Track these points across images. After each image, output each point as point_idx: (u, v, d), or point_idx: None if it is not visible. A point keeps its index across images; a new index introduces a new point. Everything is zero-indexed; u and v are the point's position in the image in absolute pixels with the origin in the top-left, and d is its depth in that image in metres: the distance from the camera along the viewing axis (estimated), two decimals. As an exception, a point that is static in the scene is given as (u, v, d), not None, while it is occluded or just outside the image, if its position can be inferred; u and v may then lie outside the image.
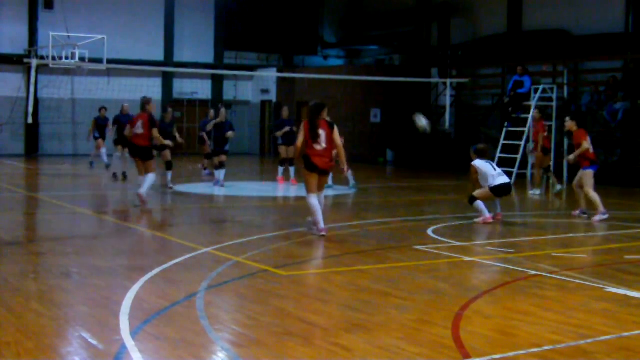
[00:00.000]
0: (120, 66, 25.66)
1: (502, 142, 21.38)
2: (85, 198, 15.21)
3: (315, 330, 5.64)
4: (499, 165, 20.61)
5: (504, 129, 21.56)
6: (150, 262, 8.17)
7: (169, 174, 16.52)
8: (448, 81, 24.93)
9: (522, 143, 20.80)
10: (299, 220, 11.48)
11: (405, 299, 6.66)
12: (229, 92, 33.27)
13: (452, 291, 7.10)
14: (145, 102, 13.02)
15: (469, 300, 6.57)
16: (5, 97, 28.14)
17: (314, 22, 34.16)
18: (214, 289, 6.87)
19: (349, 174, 16.54)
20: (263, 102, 33.44)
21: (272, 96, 32.83)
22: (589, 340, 5.40)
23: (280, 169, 18.11)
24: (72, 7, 28.41)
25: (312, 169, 10.02)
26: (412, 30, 29.34)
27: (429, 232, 10.64)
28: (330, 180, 15.22)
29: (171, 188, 16.07)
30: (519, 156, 20.58)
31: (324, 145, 10.00)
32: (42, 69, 25.16)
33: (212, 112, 18.99)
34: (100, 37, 22.43)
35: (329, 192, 14.79)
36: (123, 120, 18.44)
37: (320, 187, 10.22)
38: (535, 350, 5.16)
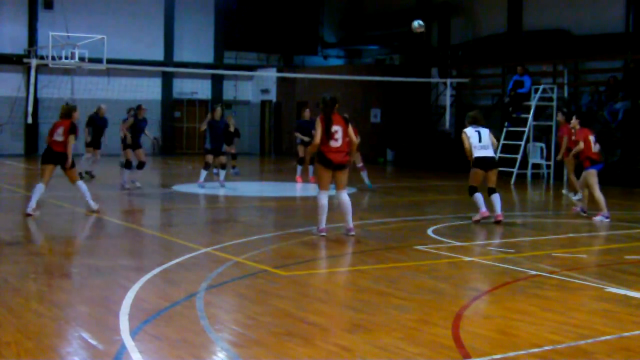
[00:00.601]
0: (120, 66, 25.64)
1: (502, 142, 21.37)
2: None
3: (315, 330, 5.63)
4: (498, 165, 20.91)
5: (504, 129, 21.55)
6: (150, 262, 8.17)
7: (139, 173, 16.35)
8: (448, 81, 24.92)
9: (522, 143, 20.81)
10: (299, 220, 11.47)
11: (405, 299, 6.66)
12: (229, 92, 33.27)
13: (452, 291, 7.11)
14: (70, 110, 12.44)
15: (469, 300, 6.57)
16: (5, 97, 28.15)
17: (314, 22, 34.15)
18: (214, 289, 6.87)
19: (364, 174, 16.59)
20: (263, 102, 33.45)
21: (272, 96, 32.83)
22: (589, 340, 5.40)
23: (299, 168, 18.19)
24: (72, 7, 28.43)
25: (328, 164, 9.85)
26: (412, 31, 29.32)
27: (429, 232, 10.64)
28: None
29: (132, 188, 15.84)
30: (519, 156, 20.58)
31: (339, 141, 9.85)
32: (42, 68, 25.17)
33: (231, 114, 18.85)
34: (100, 37, 22.43)
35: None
36: (99, 122, 18.37)
37: (341, 184, 10.03)
38: (535, 350, 5.16)
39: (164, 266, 7.84)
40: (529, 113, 21.02)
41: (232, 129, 19.04)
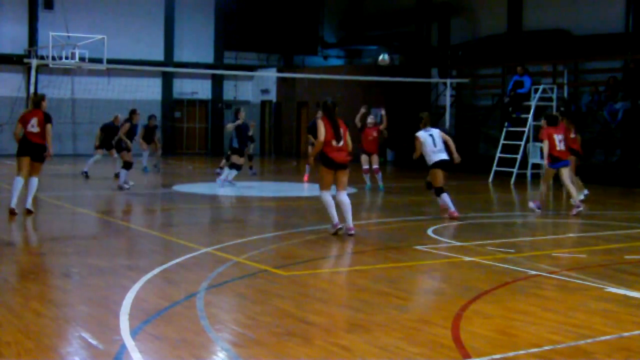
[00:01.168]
0: (120, 66, 25.66)
1: (502, 142, 21.39)
2: (85, 198, 15.21)
3: (315, 330, 5.63)
4: (498, 165, 20.96)
5: (504, 129, 21.56)
6: (150, 262, 8.17)
7: (126, 173, 16.24)
8: (448, 81, 24.93)
9: (522, 143, 20.81)
10: (299, 220, 11.47)
11: (405, 299, 6.66)
12: (229, 92, 33.28)
13: (452, 291, 7.11)
14: (40, 99, 12.20)
15: (469, 300, 6.57)
16: (5, 97, 28.14)
17: (314, 22, 34.15)
18: (214, 289, 6.87)
19: (379, 176, 16.83)
20: (263, 102, 33.45)
21: (272, 96, 32.84)
22: (589, 340, 5.40)
23: (308, 168, 18.67)
24: (72, 7, 28.44)
25: (330, 165, 10.04)
26: (412, 31, 29.33)
27: (429, 232, 10.64)
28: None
29: (126, 188, 15.79)
30: (519, 156, 20.58)
31: (341, 142, 10.09)
32: (42, 68, 25.18)
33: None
34: (100, 37, 22.46)
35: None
36: (112, 129, 18.50)
37: (342, 185, 10.20)
38: (535, 350, 5.16)
39: (164, 266, 7.84)
40: (528, 113, 21.01)
41: (251, 132, 19.45)
